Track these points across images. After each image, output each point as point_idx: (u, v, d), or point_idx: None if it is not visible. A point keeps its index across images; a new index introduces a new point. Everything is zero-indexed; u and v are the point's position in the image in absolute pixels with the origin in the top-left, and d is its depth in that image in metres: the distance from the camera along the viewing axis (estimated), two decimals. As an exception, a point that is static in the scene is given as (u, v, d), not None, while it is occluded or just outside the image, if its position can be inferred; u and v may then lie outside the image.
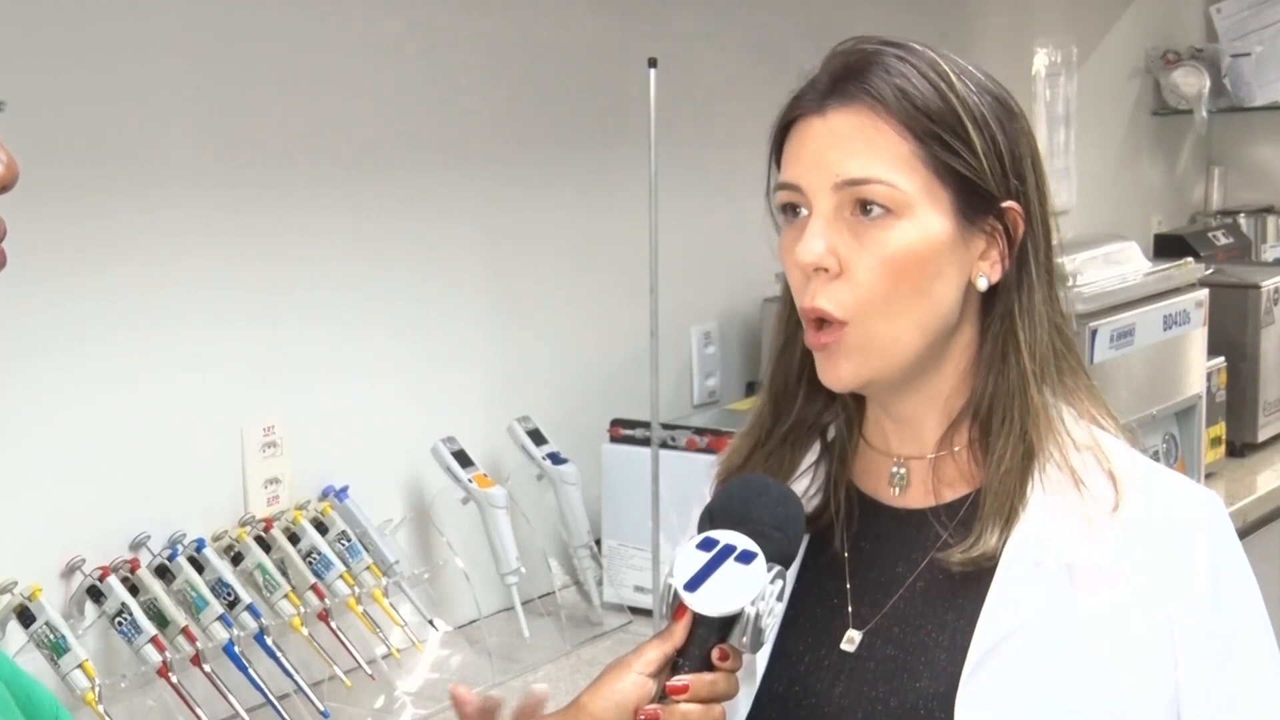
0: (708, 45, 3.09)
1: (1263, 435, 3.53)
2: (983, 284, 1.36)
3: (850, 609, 1.40)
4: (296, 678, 2.17)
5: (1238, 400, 3.46)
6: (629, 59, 2.59)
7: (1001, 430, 1.36)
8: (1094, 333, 2.89)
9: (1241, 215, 4.60)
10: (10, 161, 1.03)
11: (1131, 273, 3.16)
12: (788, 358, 1.43)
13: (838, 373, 1.36)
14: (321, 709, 2.17)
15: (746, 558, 1.30)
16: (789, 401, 1.44)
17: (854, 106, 1.33)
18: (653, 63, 2.31)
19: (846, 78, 1.35)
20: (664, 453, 2.48)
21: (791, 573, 1.41)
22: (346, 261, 2.45)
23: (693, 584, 1.30)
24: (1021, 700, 1.32)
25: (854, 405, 1.45)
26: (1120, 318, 2.98)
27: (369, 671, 2.27)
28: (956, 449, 1.40)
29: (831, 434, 1.46)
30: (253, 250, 2.31)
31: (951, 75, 1.34)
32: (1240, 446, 3.50)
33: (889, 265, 1.32)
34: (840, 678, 1.38)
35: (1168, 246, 4.03)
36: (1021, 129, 1.37)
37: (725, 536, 1.32)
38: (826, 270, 1.33)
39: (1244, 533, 3.18)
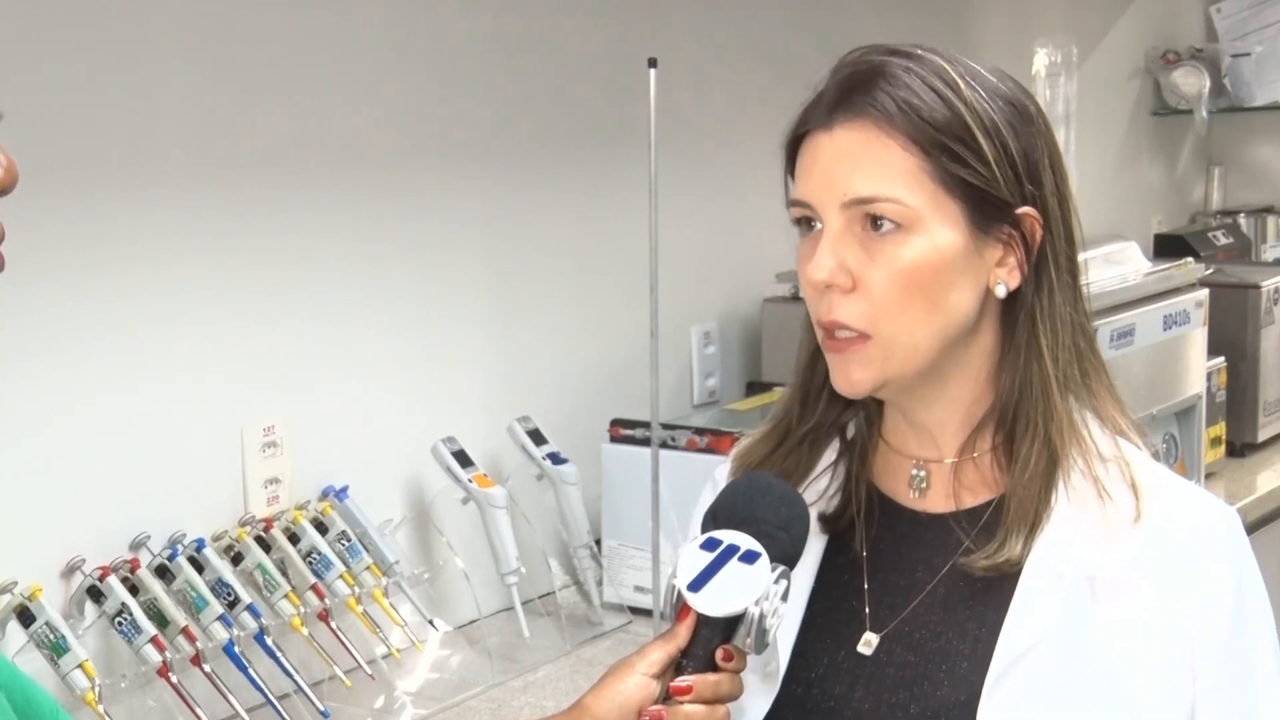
0: (708, 45, 3.09)
1: (1263, 435, 3.53)
2: (1001, 291, 1.35)
3: (868, 611, 1.40)
4: (296, 678, 2.16)
5: (1238, 400, 3.46)
6: (629, 59, 2.59)
7: (1025, 436, 1.36)
8: (1094, 333, 2.89)
9: (1241, 215, 4.60)
10: (9, 164, 1.03)
11: (1131, 273, 3.16)
12: (814, 363, 1.42)
13: (850, 378, 1.35)
14: (321, 709, 2.16)
15: (750, 558, 1.30)
16: (813, 405, 1.44)
17: (860, 121, 1.33)
18: (653, 63, 2.31)
19: (852, 91, 1.34)
20: (664, 453, 2.47)
21: (809, 573, 1.41)
22: (346, 261, 2.45)
23: (696, 584, 1.30)
24: (1045, 711, 1.31)
25: (874, 405, 1.44)
26: (1120, 318, 2.97)
27: (369, 671, 2.27)
28: (978, 455, 1.40)
29: (851, 433, 1.45)
30: (253, 250, 2.31)
31: (960, 83, 1.33)
32: (1240, 446, 3.50)
33: (901, 279, 1.32)
34: (859, 682, 1.38)
35: (1168, 246, 4.03)
36: (1037, 131, 1.36)
37: (729, 537, 1.31)
38: (840, 286, 1.33)
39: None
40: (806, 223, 1.37)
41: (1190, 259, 3.40)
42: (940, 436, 1.41)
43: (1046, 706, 1.31)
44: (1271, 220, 4.60)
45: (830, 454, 1.45)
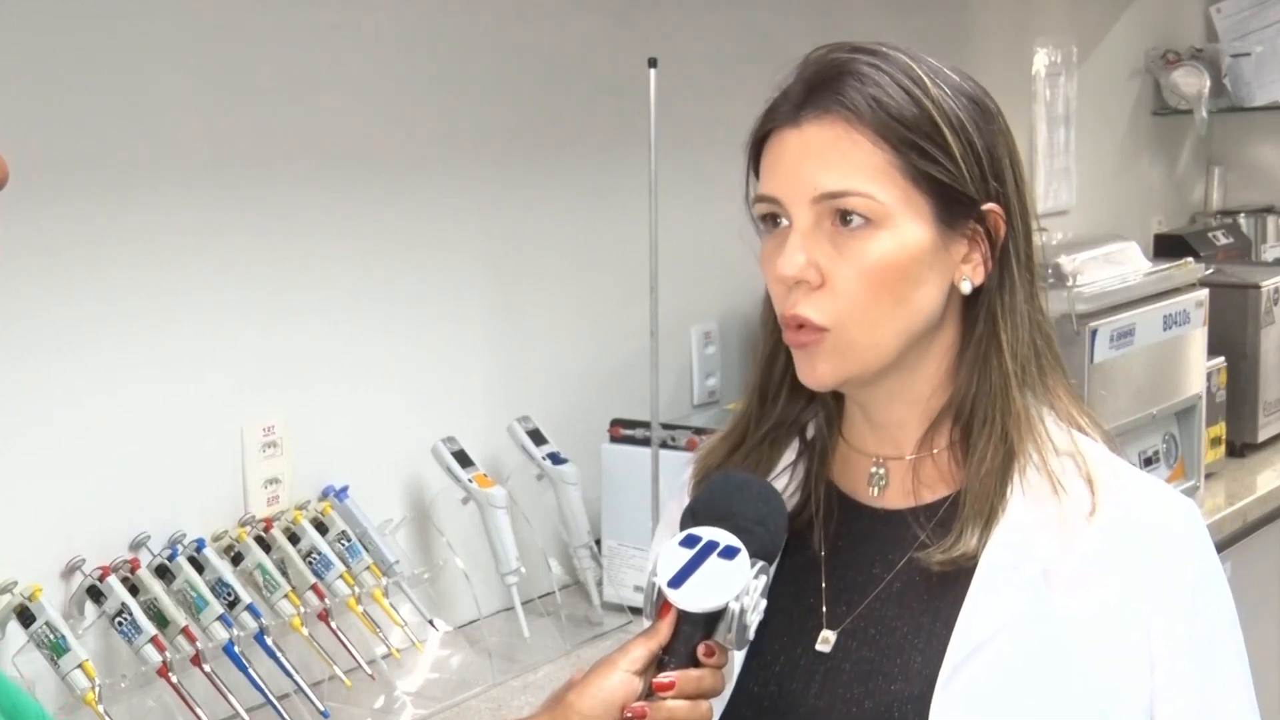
0: (708, 45, 3.09)
1: (1263, 435, 3.53)
2: (966, 287, 1.36)
3: (825, 609, 1.41)
4: (296, 678, 2.17)
5: (1238, 400, 3.46)
6: (629, 59, 2.60)
7: (983, 431, 1.37)
8: (1094, 333, 2.90)
9: (1241, 215, 4.60)
10: (0, 162, 1.03)
11: (1131, 273, 3.17)
12: (773, 361, 1.44)
13: (815, 372, 1.36)
14: (321, 709, 2.17)
15: (730, 553, 1.31)
16: (772, 403, 1.45)
17: (828, 118, 1.33)
18: (653, 63, 2.31)
19: (820, 88, 1.34)
20: (664, 453, 2.48)
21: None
22: (347, 261, 2.45)
23: (676, 581, 1.30)
24: (998, 705, 1.32)
25: (834, 404, 1.45)
26: (1120, 318, 2.98)
27: (369, 671, 2.27)
28: (936, 451, 1.41)
29: (811, 432, 1.46)
30: (253, 250, 2.31)
31: (926, 80, 1.34)
32: (1240, 446, 3.50)
33: (870, 275, 1.32)
34: (815, 678, 1.39)
35: (1168, 246, 4.04)
36: (999, 129, 1.37)
37: (708, 533, 1.32)
38: (808, 282, 1.33)
39: (1244, 533, 3.18)
40: (772, 220, 1.37)
41: (1190, 259, 3.41)
42: (899, 433, 1.41)
43: (1002, 699, 1.32)
44: (1271, 220, 4.61)
45: (790, 453, 1.46)
